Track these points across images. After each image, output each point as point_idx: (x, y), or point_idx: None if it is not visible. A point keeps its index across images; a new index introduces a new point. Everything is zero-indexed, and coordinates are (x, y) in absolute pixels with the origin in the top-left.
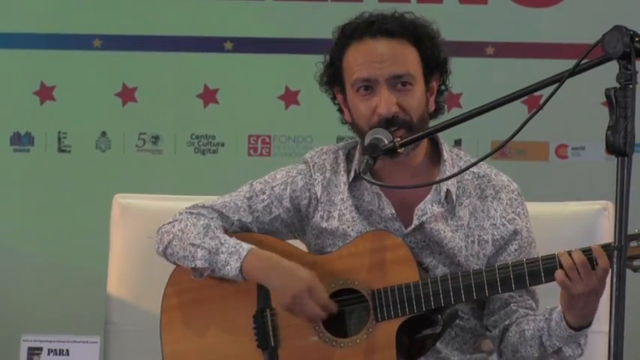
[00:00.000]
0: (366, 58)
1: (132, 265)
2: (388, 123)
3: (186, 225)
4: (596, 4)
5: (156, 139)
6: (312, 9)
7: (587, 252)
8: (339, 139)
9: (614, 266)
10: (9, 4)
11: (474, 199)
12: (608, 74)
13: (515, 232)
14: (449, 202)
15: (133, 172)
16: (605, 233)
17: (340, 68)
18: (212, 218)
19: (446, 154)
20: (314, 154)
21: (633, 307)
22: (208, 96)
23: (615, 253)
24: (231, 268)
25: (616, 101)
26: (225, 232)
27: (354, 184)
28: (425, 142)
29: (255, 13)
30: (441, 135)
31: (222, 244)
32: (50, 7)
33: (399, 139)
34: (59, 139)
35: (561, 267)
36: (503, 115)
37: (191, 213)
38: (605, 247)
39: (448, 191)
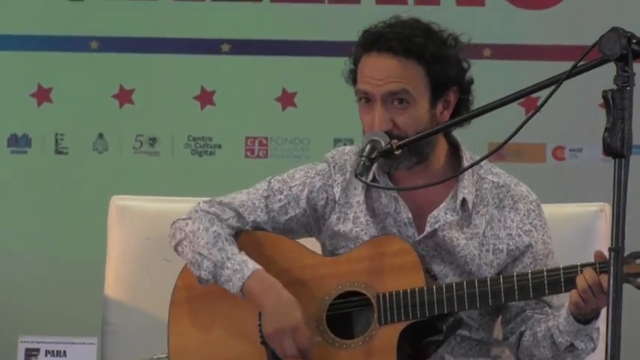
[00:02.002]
0: (368, 72)
1: (129, 267)
2: None
3: (199, 228)
4: (593, 6)
5: (153, 140)
6: (309, 11)
7: (594, 266)
8: (337, 140)
9: (611, 268)
10: (6, 6)
11: (492, 208)
12: (605, 76)
13: (530, 245)
14: (465, 210)
15: (130, 173)
16: (603, 235)
17: (356, 72)
18: (226, 220)
19: (466, 163)
20: (335, 154)
21: (630, 308)
22: (205, 98)
23: (612, 254)
24: (233, 286)
25: (613, 103)
26: (238, 232)
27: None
28: (444, 151)
29: (252, 15)
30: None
31: (228, 258)
32: (47, 9)
33: (396, 141)
34: (56, 140)
35: (575, 287)
36: (501, 117)
37: (207, 213)
38: (601, 265)
39: (464, 200)
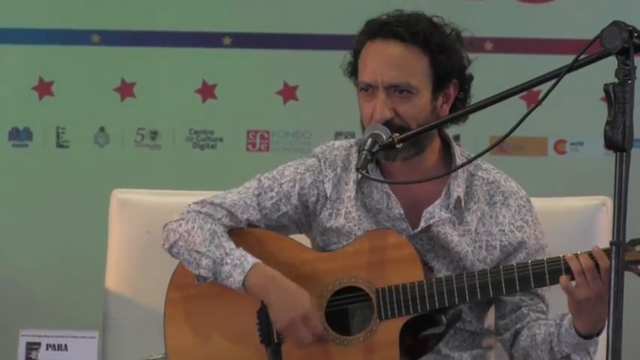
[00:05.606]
0: (372, 61)
1: (130, 260)
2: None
3: (193, 227)
4: None
5: (154, 134)
6: (311, 4)
7: (592, 256)
8: (338, 134)
9: (613, 262)
10: (7, 0)
11: (483, 205)
12: (606, 70)
13: (522, 242)
14: (457, 207)
15: (132, 167)
16: (604, 228)
17: (357, 63)
18: (219, 219)
19: (458, 159)
20: (325, 149)
21: (632, 302)
22: (207, 91)
23: (614, 248)
24: (234, 281)
25: (615, 96)
26: (231, 230)
27: (364, 181)
28: (437, 146)
29: (253, 8)
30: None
31: (227, 254)
32: (49, 3)
33: (397, 135)
34: (58, 134)
35: (569, 272)
36: (502, 111)
37: (199, 213)
38: (605, 250)
39: (459, 198)
